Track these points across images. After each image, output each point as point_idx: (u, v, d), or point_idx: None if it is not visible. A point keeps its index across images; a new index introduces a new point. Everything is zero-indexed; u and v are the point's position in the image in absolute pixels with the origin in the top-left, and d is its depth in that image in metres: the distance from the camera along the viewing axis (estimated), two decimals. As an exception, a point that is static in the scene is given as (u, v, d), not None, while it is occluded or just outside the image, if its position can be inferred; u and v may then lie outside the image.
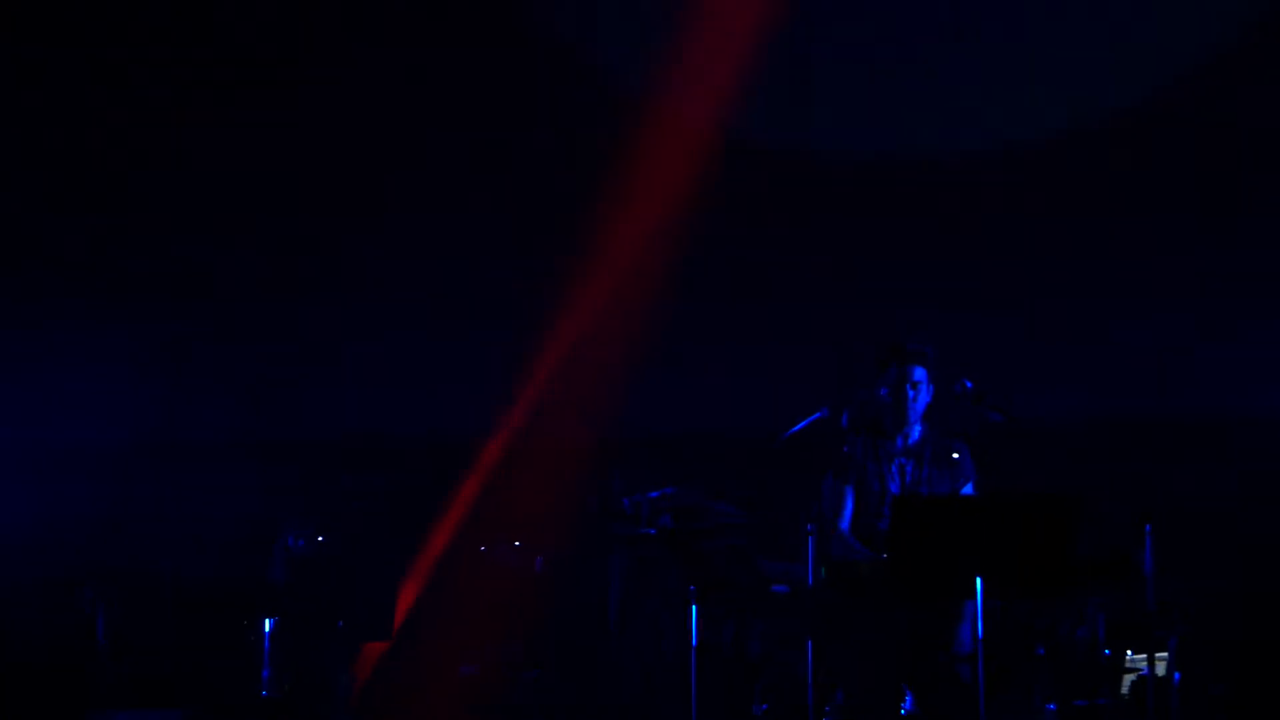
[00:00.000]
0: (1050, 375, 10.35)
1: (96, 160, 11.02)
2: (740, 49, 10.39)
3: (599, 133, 10.60)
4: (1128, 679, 8.38)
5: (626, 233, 10.52)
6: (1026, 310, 10.55)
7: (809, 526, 7.88)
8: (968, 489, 8.21)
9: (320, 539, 9.84)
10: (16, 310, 11.04)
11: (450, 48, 10.94)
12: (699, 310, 10.61)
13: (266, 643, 9.35)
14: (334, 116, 10.93)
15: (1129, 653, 8.41)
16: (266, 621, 9.36)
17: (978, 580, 7.24)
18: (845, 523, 8.20)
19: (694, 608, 8.25)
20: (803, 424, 8.15)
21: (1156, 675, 8.01)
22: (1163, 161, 10.51)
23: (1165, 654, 8.04)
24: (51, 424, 11.05)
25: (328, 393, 11.15)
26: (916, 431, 8.27)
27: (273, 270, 11.03)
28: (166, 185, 11.03)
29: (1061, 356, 10.52)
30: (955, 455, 8.21)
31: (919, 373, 8.22)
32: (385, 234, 10.93)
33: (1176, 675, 7.97)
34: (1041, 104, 10.63)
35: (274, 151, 10.92)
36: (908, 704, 8.02)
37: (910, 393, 8.21)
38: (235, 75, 10.95)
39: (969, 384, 8.18)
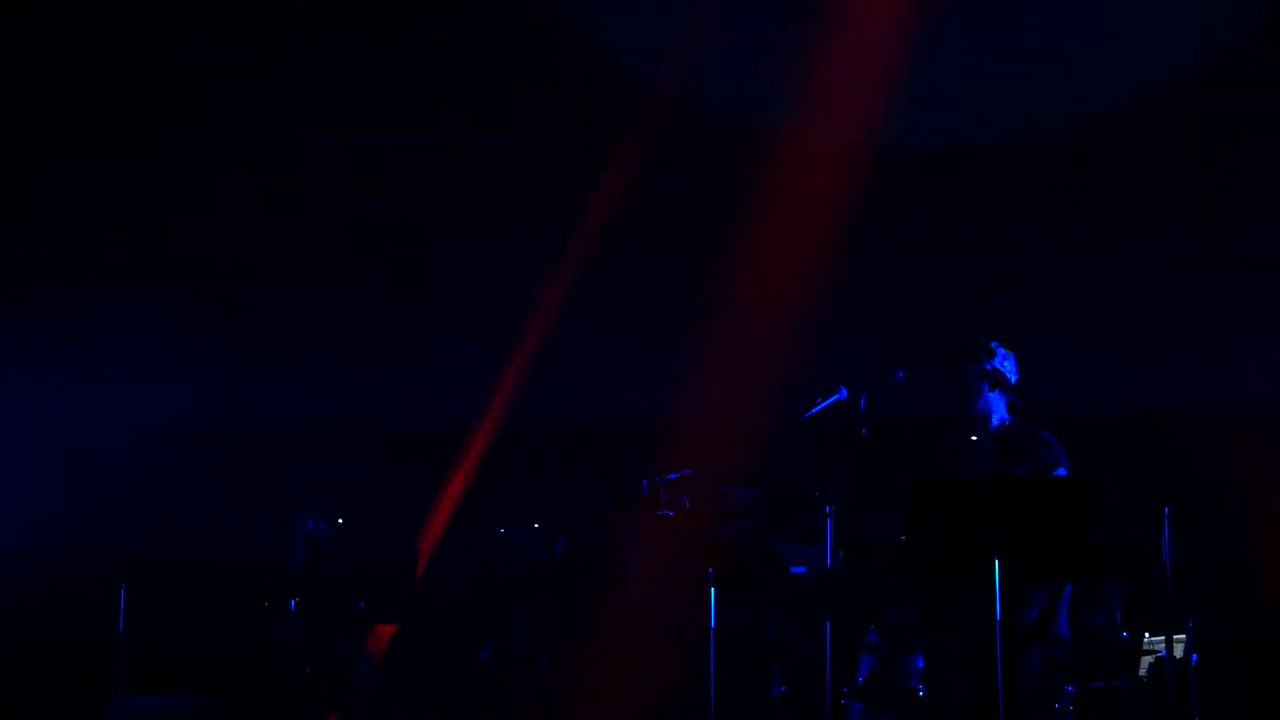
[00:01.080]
0: (1074, 363, 10.35)
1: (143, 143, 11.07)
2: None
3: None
4: (1146, 661, 8.38)
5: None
6: (1050, 297, 10.55)
7: (827, 509, 7.89)
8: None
9: (339, 522, 9.88)
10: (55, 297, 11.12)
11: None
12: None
13: (287, 626, 9.38)
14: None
15: (1147, 635, 8.42)
16: (287, 605, 9.39)
17: (995, 563, 7.24)
18: None
19: (712, 590, 8.28)
20: (821, 406, 8.14)
21: (1175, 657, 8.01)
22: (1197, 149, 10.47)
23: (1183, 636, 8.04)
24: (78, 410, 11.11)
25: (352, 381, 11.22)
26: (997, 419, 8.25)
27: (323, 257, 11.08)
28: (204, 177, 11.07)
29: (1085, 344, 10.52)
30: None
31: (972, 369, 8.21)
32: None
33: (1194, 657, 7.97)
34: (1057, 94, 10.61)
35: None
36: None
37: (963, 387, 8.20)
38: (296, 55, 10.94)
39: (987, 367, 8.21)
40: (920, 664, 8.22)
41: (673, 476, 8.82)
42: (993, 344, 8.22)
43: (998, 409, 8.22)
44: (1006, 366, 8.20)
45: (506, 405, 10.94)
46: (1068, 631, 7.94)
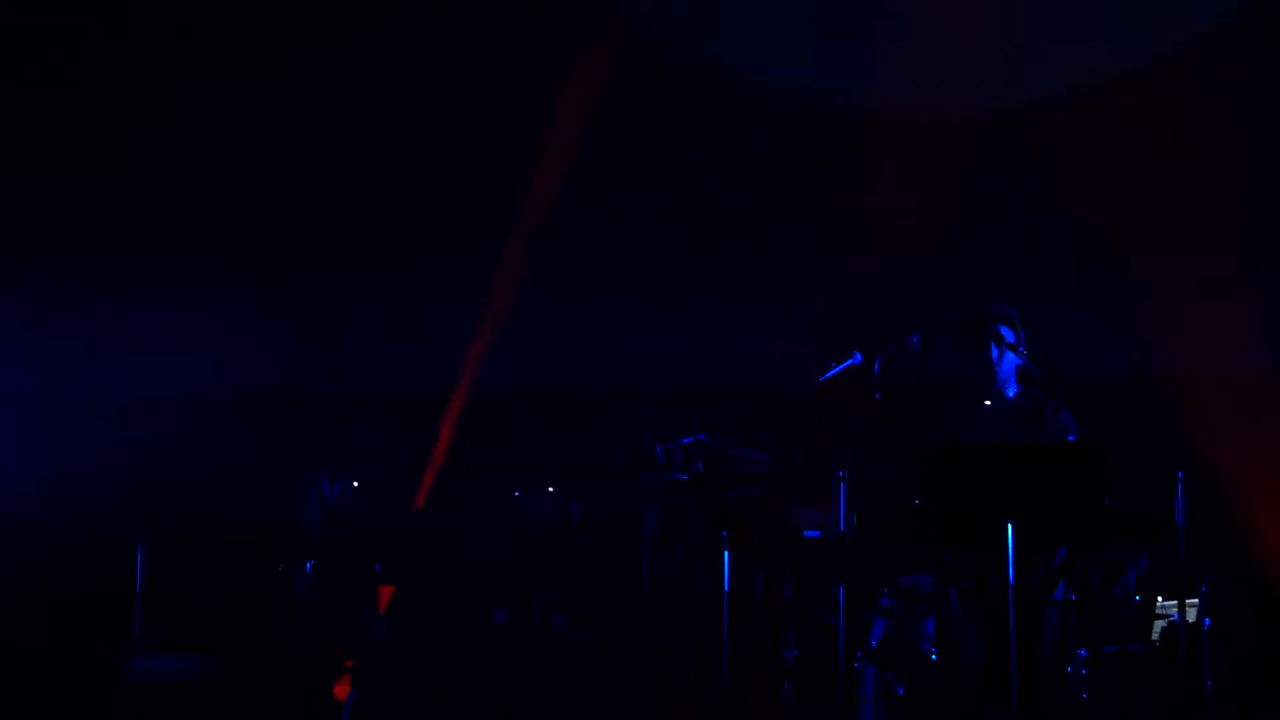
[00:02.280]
0: (1089, 329, 10.33)
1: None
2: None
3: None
4: (1158, 625, 8.39)
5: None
6: (1067, 263, 10.53)
7: (841, 473, 7.89)
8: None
9: (354, 485, 9.90)
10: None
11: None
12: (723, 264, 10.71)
13: (302, 588, 9.42)
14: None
15: (1160, 599, 8.42)
16: (302, 567, 9.42)
17: (1009, 527, 7.24)
18: None
19: (725, 554, 8.29)
20: (835, 370, 8.14)
21: (1187, 622, 8.02)
22: (1209, 119, 10.41)
23: (1196, 601, 8.05)
24: (92, 377, 11.16)
25: (368, 348, 11.25)
26: (1012, 390, 8.26)
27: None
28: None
29: (1099, 311, 10.50)
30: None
31: (996, 344, 8.21)
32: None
33: (1207, 622, 7.97)
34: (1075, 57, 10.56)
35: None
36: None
37: (995, 352, 8.20)
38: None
39: (1008, 337, 8.21)
40: (932, 628, 8.24)
41: (686, 441, 8.83)
42: (1008, 313, 8.22)
43: (1014, 376, 8.25)
44: (1021, 334, 8.23)
45: (516, 370, 10.97)
46: (1075, 595, 7.95)
